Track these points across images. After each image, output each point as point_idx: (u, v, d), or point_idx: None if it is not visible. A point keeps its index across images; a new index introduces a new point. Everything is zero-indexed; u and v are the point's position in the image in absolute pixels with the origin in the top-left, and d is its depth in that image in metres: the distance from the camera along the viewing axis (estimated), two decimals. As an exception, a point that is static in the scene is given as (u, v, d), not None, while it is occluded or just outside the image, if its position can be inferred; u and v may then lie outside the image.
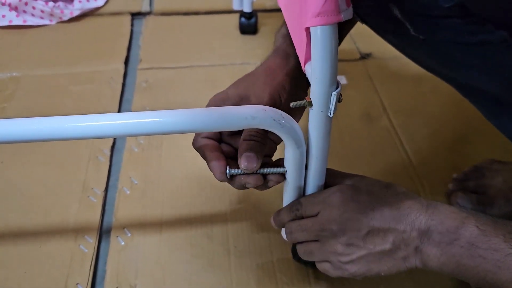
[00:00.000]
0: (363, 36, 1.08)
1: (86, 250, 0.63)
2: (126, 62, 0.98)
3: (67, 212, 0.68)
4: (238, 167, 0.49)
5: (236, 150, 0.52)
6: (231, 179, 0.49)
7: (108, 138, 0.77)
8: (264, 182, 0.50)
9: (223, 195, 0.70)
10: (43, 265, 0.61)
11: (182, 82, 0.94)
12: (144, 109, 0.87)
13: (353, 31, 1.09)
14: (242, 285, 0.59)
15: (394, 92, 0.91)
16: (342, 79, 0.95)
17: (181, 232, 0.65)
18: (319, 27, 0.41)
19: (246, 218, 0.67)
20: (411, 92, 0.92)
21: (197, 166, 0.75)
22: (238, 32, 1.08)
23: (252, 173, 0.49)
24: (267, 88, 0.52)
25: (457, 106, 0.87)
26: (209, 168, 0.50)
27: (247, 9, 1.05)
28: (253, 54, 1.01)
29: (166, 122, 0.43)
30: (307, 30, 0.42)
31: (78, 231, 0.65)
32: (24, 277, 0.60)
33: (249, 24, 1.06)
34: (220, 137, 0.53)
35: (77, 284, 0.59)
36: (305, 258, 0.52)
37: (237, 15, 1.08)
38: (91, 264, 0.61)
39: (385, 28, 0.54)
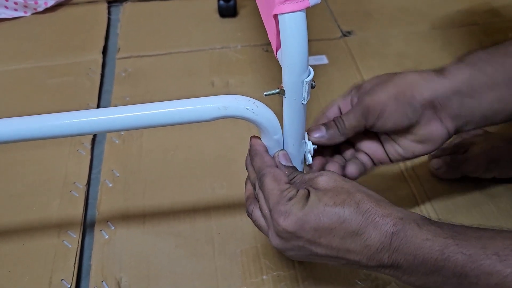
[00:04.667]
0: (344, 13, 1.07)
1: (70, 246, 0.63)
2: (104, 51, 0.97)
3: (49, 208, 0.67)
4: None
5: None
6: None
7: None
8: None
9: (205, 183, 0.70)
10: (27, 263, 0.61)
11: (162, 70, 0.93)
12: (124, 99, 0.86)
13: (334, 8, 1.09)
14: (226, 272, 0.60)
15: (376, 69, 0.91)
16: (323, 59, 0.94)
17: (164, 222, 0.65)
18: (286, 14, 0.40)
19: (228, 205, 0.67)
20: (392, 69, 0.90)
21: (179, 154, 0.75)
22: (217, 15, 1.06)
23: None
24: None
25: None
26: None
27: (225, -9, 1.03)
28: (233, 37, 1.00)
29: (135, 118, 0.43)
30: (275, 17, 0.42)
31: (61, 226, 0.65)
32: (8, 276, 0.59)
33: (228, 7, 1.05)
34: None
35: (62, 280, 0.59)
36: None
37: (215, -2, 1.07)
38: (75, 259, 0.61)
39: None
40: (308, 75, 0.43)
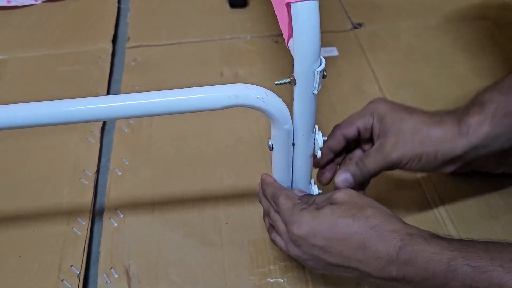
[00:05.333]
0: (354, 5, 1.06)
1: (79, 233, 0.63)
2: (114, 40, 0.97)
3: (59, 195, 0.68)
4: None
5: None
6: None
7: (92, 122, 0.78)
8: None
9: (214, 173, 0.70)
10: (37, 249, 0.61)
11: (172, 59, 0.93)
12: (133, 88, 0.86)
13: (344, 0, 1.08)
14: (234, 263, 0.60)
15: (386, 63, 0.90)
16: (333, 51, 0.94)
17: (173, 211, 0.66)
18: (299, 2, 0.40)
19: (237, 195, 0.67)
20: (403, 62, 0.91)
21: (188, 143, 0.75)
22: (227, 5, 1.06)
23: None
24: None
25: (449, 74, 0.86)
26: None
27: (235, -19, 1.03)
28: (243, 28, 1.00)
29: (145, 105, 0.43)
30: (288, 6, 0.41)
31: (70, 213, 0.65)
32: (19, 261, 0.60)
33: (238, -3, 1.05)
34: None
35: (71, 266, 0.59)
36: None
37: (225, -12, 1.06)
38: (84, 246, 0.61)
39: None
40: (320, 65, 0.43)
